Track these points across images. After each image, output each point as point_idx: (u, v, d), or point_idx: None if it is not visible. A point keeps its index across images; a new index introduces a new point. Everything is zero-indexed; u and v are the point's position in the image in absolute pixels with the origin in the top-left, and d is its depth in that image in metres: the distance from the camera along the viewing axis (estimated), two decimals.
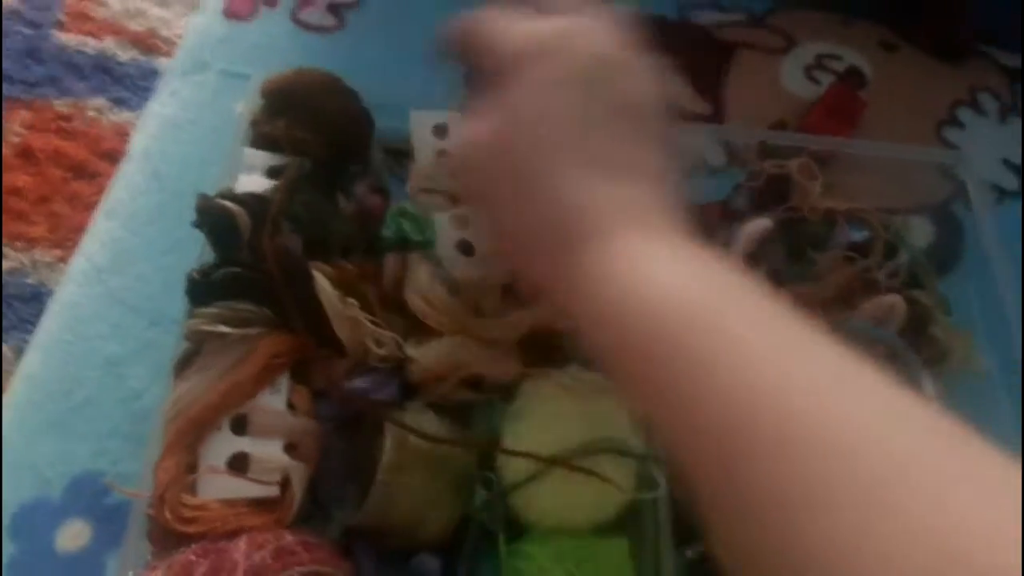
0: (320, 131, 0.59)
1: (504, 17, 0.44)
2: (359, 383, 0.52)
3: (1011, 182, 0.80)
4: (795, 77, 0.84)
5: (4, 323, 0.64)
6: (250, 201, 0.53)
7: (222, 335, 0.50)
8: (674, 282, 0.35)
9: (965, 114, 0.84)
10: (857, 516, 0.26)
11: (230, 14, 0.80)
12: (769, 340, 0.33)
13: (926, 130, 0.82)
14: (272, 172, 0.58)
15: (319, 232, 0.56)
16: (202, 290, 0.51)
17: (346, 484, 0.52)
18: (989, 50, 0.88)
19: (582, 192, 0.39)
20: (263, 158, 0.59)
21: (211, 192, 0.53)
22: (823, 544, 0.26)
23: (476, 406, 0.54)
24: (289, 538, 0.45)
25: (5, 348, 0.63)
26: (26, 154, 0.72)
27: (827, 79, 0.84)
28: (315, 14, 0.81)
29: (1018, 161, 0.81)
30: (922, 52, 0.87)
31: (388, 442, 0.49)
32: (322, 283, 0.51)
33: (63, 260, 0.67)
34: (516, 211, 0.41)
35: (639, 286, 0.35)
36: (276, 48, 0.78)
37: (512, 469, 0.49)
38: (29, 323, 0.64)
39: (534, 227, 0.40)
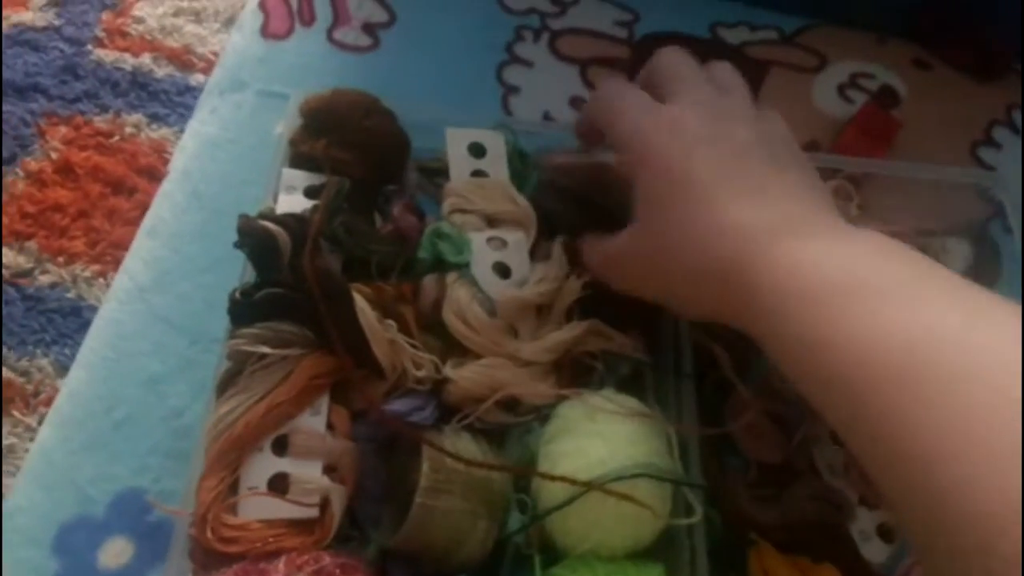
0: (359, 151, 0.60)
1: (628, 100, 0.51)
2: (397, 405, 0.52)
3: None
4: (827, 96, 0.84)
5: (45, 337, 0.65)
6: (290, 222, 0.53)
7: (263, 355, 0.50)
8: (837, 266, 0.40)
9: (1001, 133, 0.83)
10: None
11: (267, 33, 0.81)
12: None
13: (961, 150, 0.82)
14: (311, 192, 0.58)
15: (358, 253, 0.56)
16: (243, 310, 0.51)
17: (383, 506, 0.52)
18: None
19: (732, 216, 0.43)
20: (302, 178, 0.59)
21: (252, 212, 0.54)
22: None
23: (512, 429, 0.54)
24: (327, 560, 0.45)
25: (45, 362, 0.64)
26: (65, 170, 0.74)
27: (860, 98, 0.83)
28: (350, 33, 0.82)
29: None
30: (956, 70, 0.87)
31: (425, 465, 0.49)
32: (361, 304, 0.52)
33: (102, 275, 0.68)
34: (676, 269, 0.46)
35: (808, 286, 0.39)
36: (312, 68, 0.79)
37: (548, 493, 0.49)
38: (69, 337, 0.65)
39: (697, 271, 0.45)
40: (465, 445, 0.51)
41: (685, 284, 0.46)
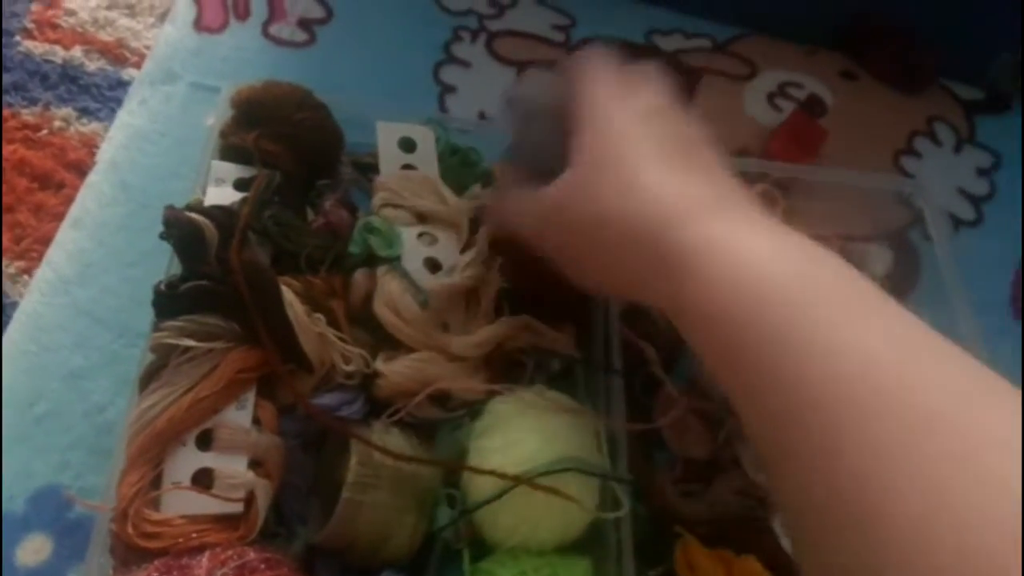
0: (290, 144, 0.60)
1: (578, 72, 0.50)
2: (325, 399, 0.52)
3: (966, 211, 0.82)
4: (758, 103, 0.86)
5: None
6: (218, 214, 0.52)
7: (188, 349, 0.49)
8: (764, 255, 0.39)
9: (922, 144, 0.86)
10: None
11: (201, 27, 0.80)
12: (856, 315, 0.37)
13: (884, 159, 0.85)
14: (241, 184, 0.58)
15: (287, 246, 0.56)
16: (168, 303, 0.50)
17: (310, 501, 0.52)
18: (947, 82, 0.91)
19: (668, 188, 0.43)
20: (232, 170, 0.59)
21: (180, 204, 0.53)
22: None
23: (442, 424, 0.54)
24: (252, 555, 0.45)
25: None
26: None
27: (789, 106, 0.86)
28: (286, 29, 0.81)
29: (973, 190, 0.84)
30: (881, 82, 0.90)
31: (353, 459, 0.49)
32: (290, 297, 0.51)
33: (27, 272, 0.66)
34: (606, 239, 0.45)
35: (734, 262, 0.39)
36: (247, 62, 0.78)
37: (477, 487, 0.50)
38: None
39: (628, 244, 0.44)
40: (394, 440, 0.51)
41: (609, 248, 0.45)
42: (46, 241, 0.67)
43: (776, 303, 0.37)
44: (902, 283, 0.73)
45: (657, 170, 0.44)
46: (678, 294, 0.41)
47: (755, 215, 0.43)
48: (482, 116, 0.79)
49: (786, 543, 0.56)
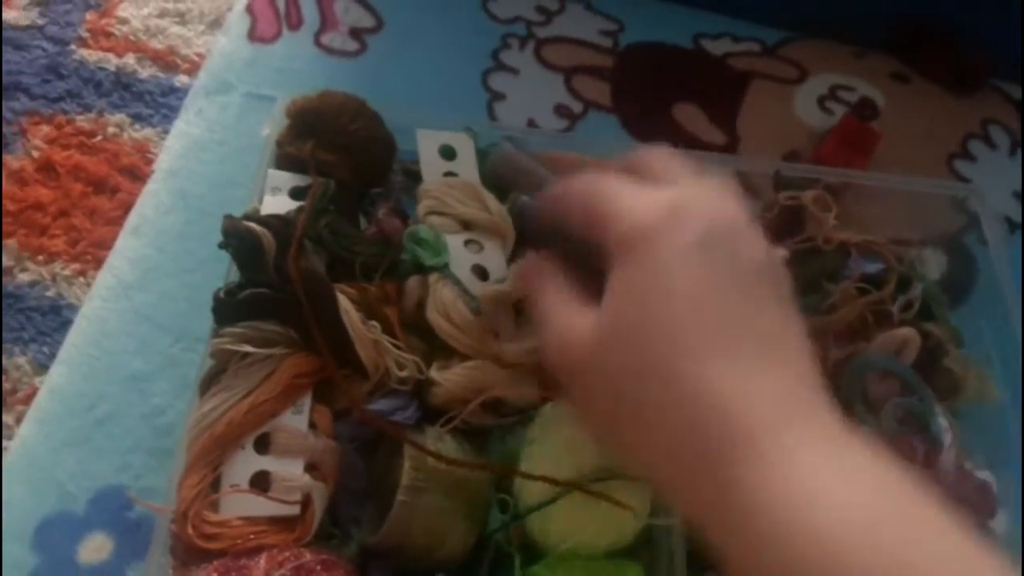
0: (345, 153, 0.61)
1: (618, 184, 0.40)
2: (379, 405, 0.52)
3: (1022, 215, 0.81)
4: (808, 107, 0.85)
5: (23, 336, 0.65)
6: (275, 223, 0.53)
7: (247, 354, 0.50)
8: (838, 505, 0.32)
9: (976, 147, 0.85)
10: None
11: (254, 37, 0.81)
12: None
13: (938, 162, 0.83)
14: (296, 193, 0.59)
15: (342, 254, 0.56)
16: (227, 309, 0.51)
17: (365, 505, 0.52)
18: (1001, 83, 0.89)
19: (728, 387, 0.34)
20: (288, 179, 0.60)
21: (237, 213, 0.54)
22: None
23: (494, 430, 0.54)
24: (308, 556, 0.46)
25: (23, 360, 0.64)
26: (47, 168, 0.73)
27: (840, 110, 0.85)
28: (337, 38, 0.82)
29: None
30: (934, 84, 0.88)
31: (407, 463, 0.49)
32: (345, 305, 0.52)
33: (82, 274, 0.68)
34: (648, 416, 0.36)
35: (802, 514, 0.31)
36: (299, 72, 0.79)
37: (529, 493, 0.50)
38: (47, 336, 0.65)
39: (674, 433, 0.35)
40: (447, 446, 0.52)
41: (648, 409, 0.36)
42: (101, 244, 0.69)
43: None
44: (958, 288, 0.72)
45: (711, 347, 0.35)
46: (725, 518, 0.33)
47: (829, 426, 0.35)
48: (531, 123, 0.79)
49: None
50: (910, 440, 0.57)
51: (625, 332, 0.36)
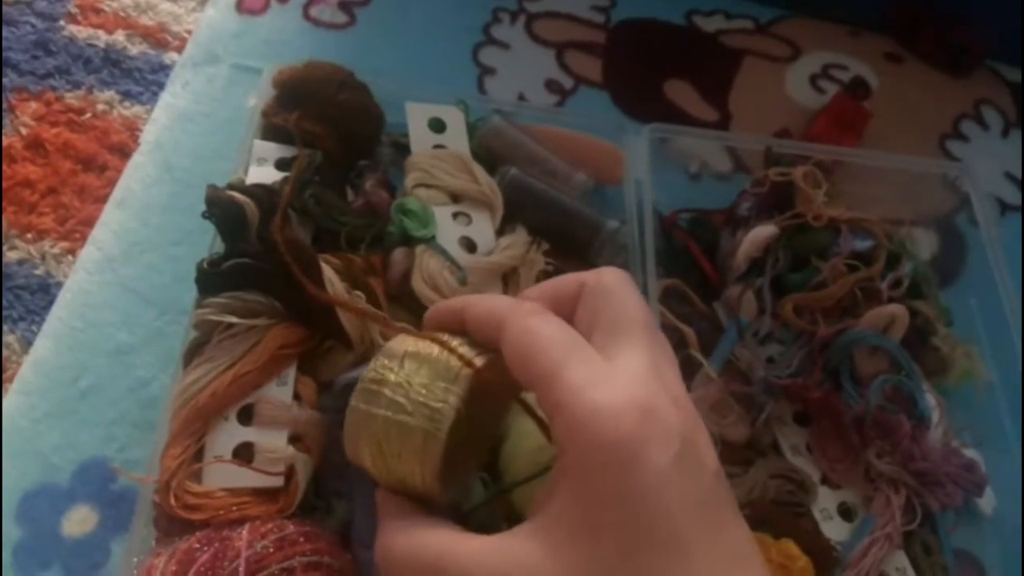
0: (331, 124, 0.60)
1: (559, 338, 0.34)
2: (354, 372, 0.52)
3: (1013, 195, 0.81)
4: (800, 86, 0.85)
5: (12, 314, 0.64)
6: (259, 192, 0.53)
7: (230, 325, 0.50)
8: None
9: (969, 127, 0.85)
10: None
11: (242, 8, 0.80)
12: None
13: (930, 142, 0.83)
14: (282, 164, 0.59)
15: (328, 224, 0.56)
16: (211, 280, 0.51)
17: (346, 477, 0.52)
18: (994, 64, 0.89)
19: None
20: (274, 150, 0.59)
21: (222, 183, 0.54)
22: None
23: None
24: (291, 528, 0.45)
25: (11, 338, 0.63)
26: (35, 145, 0.72)
27: (832, 88, 0.84)
28: (326, 10, 0.81)
29: (1020, 175, 0.82)
30: (927, 65, 0.88)
31: None
32: (330, 275, 0.52)
33: (71, 252, 0.67)
34: None
35: None
36: (288, 43, 0.78)
37: (515, 468, 0.50)
38: (36, 314, 0.64)
39: None
40: None
41: None
42: (90, 222, 0.68)
43: None
44: (948, 267, 0.72)
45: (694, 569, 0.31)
46: None
47: None
48: (521, 97, 0.79)
49: (825, 528, 0.56)
50: (898, 417, 0.57)
51: (599, 554, 0.31)
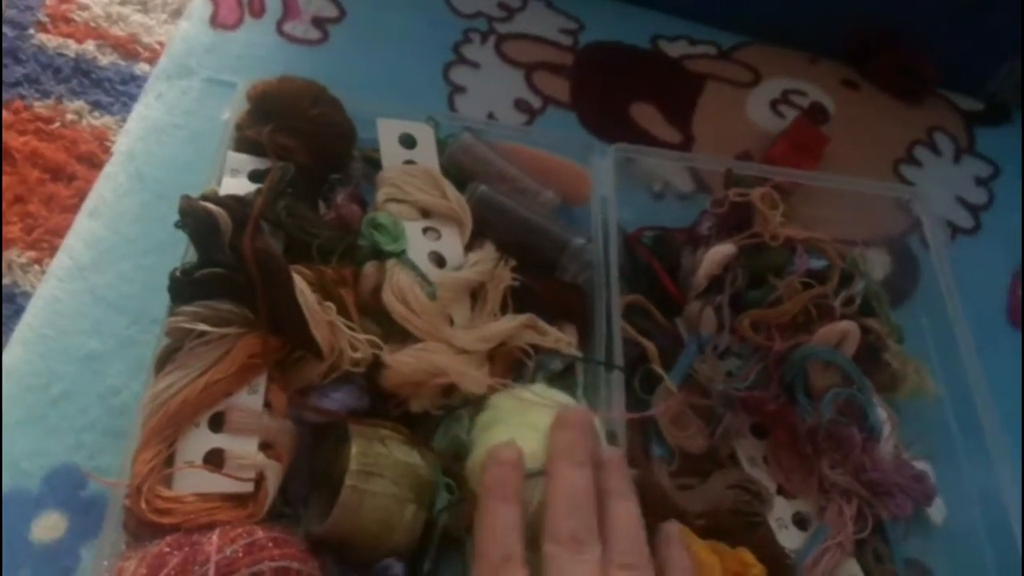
0: (304, 138, 0.61)
1: None
2: (330, 391, 0.53)
3: (965, 219, 0.84)
4: (760, 110, 0.87)
5: None
6: (232, 203, 0.54)
7: (202, 333, 0.51)
8: None
9: (922, 153, 0.88)
10: None
11: (216, 23, 0.81)
12: None
13: (884, 166, 0.86)
14: (256, 176, 0.59)
15: (300, 236, 0.57)
16: (184, 288, 0.52)
17: (312, 489, 0.53)
18: (946, 92, 0.92)
19: None
20: (247, 162, 0.60)
21: (195, 195, 0.55)
22: None
23: (440, 418, 0.55)
24: (260, 533, 0.46)
25: None
26: (3, 154, 0.72)
27: (791, 113, 0.87)
28: (299, 27, 0.82)
29: (971, 199, 0.85)
30: (883, 92, 0.91)
31: (354, 448, 0.50)
32: (301, 285, 0.53)
33: (38, 262, 0.67)
34: None
35: None
36: (261, 59, 0.79)
37: (478, 479, 0.51)
38: (2, 324, 0.64)
39: None
40: (394, 432, 0.53)
41: None
42: (58, 232, 0.68)
43: None
44: (901, 287, 0.74)
45: None
46: None
47: None
48: (491, 116, 0.80)
49: (780, 536, 0.58)
50: (850, 429, 0.59)
51: None
